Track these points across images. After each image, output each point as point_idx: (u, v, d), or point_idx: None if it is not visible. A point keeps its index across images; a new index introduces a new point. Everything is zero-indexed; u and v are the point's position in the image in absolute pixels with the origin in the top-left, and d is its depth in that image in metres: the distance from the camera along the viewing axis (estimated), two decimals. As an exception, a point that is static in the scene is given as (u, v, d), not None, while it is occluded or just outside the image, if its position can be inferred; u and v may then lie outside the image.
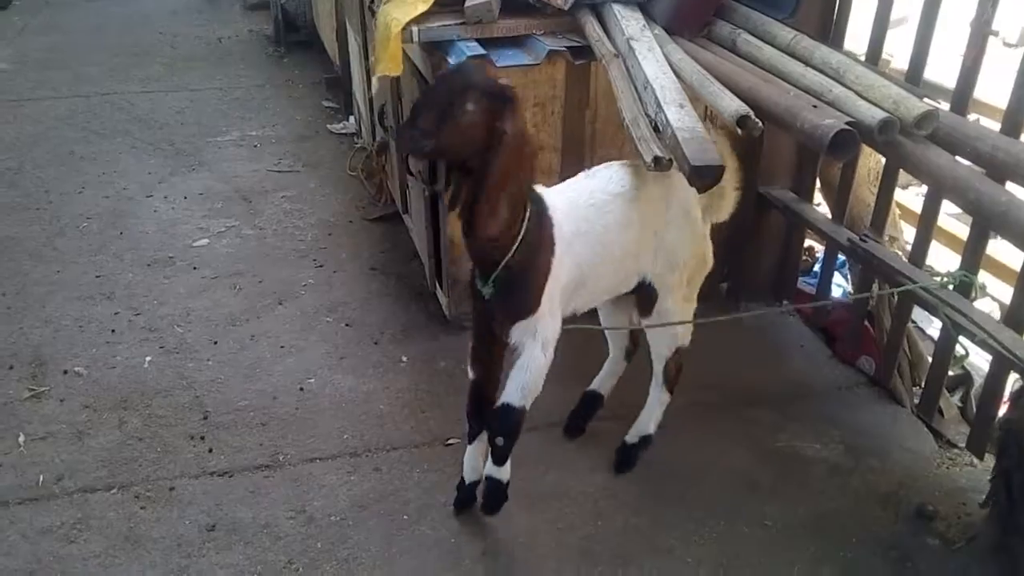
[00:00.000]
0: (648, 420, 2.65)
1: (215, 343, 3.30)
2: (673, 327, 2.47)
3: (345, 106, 5.51)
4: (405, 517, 2.52)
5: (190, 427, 2.87)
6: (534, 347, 2.15)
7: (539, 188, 2.16)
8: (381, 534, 2.46)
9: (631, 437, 2.68)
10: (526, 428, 2.28)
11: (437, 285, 3.45)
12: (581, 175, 2.36)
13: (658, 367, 2.59)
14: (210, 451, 2.76)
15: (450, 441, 2.78)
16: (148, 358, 3.22)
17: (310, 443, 2.80)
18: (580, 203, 2.22)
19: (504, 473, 2.34)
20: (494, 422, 2.26)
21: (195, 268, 3.82)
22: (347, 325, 3.41)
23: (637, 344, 2.70)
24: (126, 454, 2.75)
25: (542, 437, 2.75)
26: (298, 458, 2.73)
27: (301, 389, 3.05)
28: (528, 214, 2.05)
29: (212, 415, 2.92)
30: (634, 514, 2.52)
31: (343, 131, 5.34)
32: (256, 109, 5.75)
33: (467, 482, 2.48)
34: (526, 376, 2.16)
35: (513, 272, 2.07)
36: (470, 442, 2.44)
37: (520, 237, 2.03)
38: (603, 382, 2.77)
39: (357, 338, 3.34)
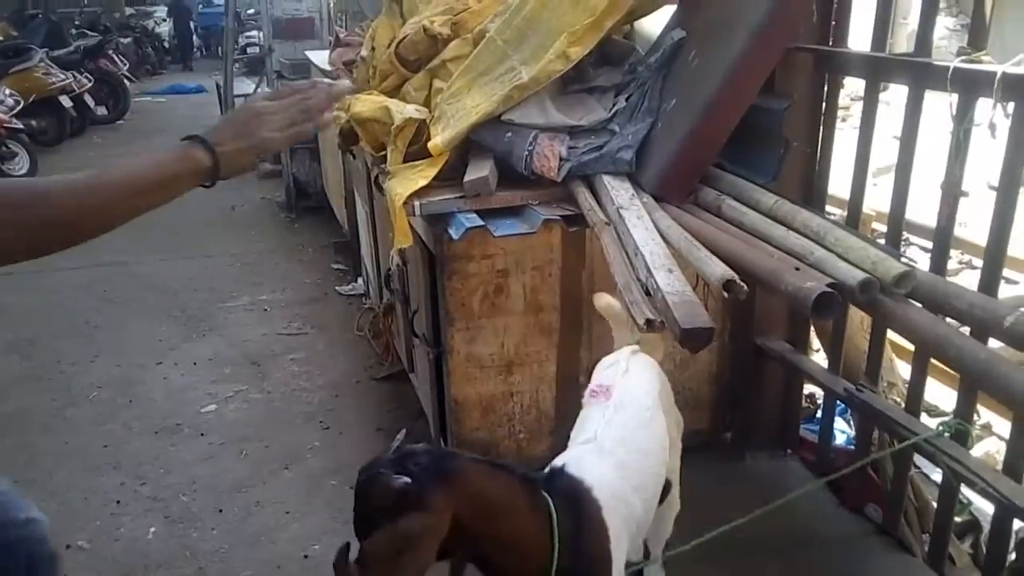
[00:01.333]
0: None
1: (220, 511, 3.30)
2: (676, 499, 2.41)
3: (354, 268, 5.69)
4: None
5: (194, 602, 2.84)
6: None
7: (571, 468, 1.92)
8: None
9: None
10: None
11: (442, 442, 3.48)
12: (603, 405, 2.14)
13: (658, 551, 2.42)
14: (211, 627, 2.73)
15: (457, 608, 2.75)
16: (152, 529, 3.22)
17: (315, 616, 2.77)
18: (620, 460, 1.98)
19: None
20: None
21: (202, 434, 3.86)
22: (352, 488, 3.40)
23: None
24: (128, 634, 2.72)
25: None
26: (303, 634, 2.70)
27: (305, 556, 3.03)
28: (556, 518, 1.73)
29: (216, 588, 2.90)
30: None
31: (352, 292, 5.49)
32: (267, 274, 5.93)
33: None
34: None
35: None
36: None
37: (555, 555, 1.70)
38: None
39: (363, 502, 3.33)
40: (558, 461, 1.97)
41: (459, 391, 3.22)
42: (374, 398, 4.13)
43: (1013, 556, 2.47)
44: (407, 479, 1.55)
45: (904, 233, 2.99)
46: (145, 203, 1.40)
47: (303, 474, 3.53)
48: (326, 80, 1.80)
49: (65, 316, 5.24)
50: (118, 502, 3.39)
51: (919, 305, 2.10)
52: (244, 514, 3.29)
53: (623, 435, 2.06)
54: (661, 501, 2.28)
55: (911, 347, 2.89)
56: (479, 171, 2.88)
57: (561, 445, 3.35)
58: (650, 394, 2.20)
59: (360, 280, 5.48)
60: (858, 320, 3.28)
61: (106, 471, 3.60)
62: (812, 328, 3.43)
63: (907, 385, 2.88)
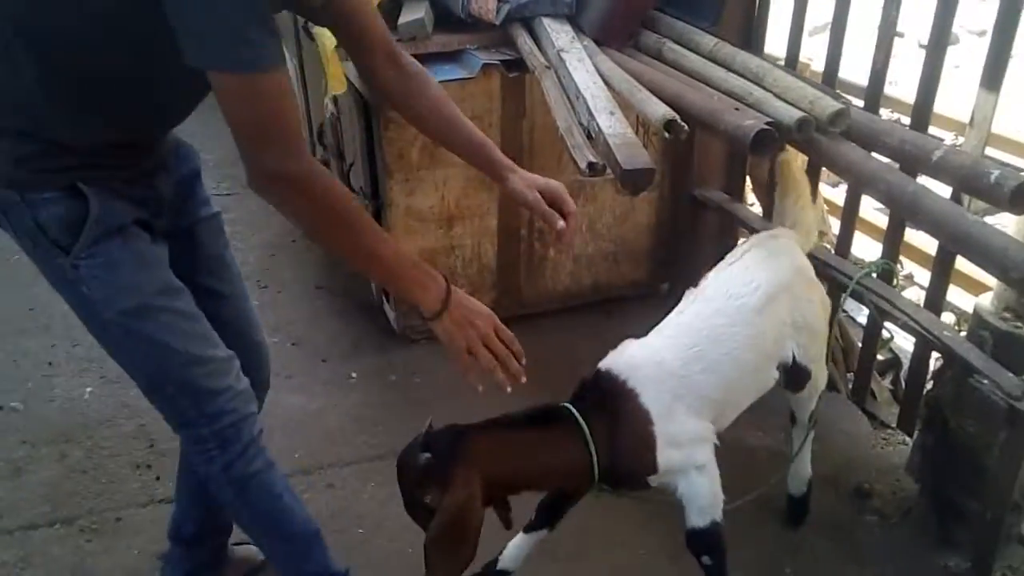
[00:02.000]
0: (806, 464, 2.48)
1: (159, 370, 3.27)
2: (818, 380, 2.29)
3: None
4: (360, 531, 2.53)
5: (135, 456, 2.84)
6: (686, 477, 1.95)
7: (615, 364, 1.95)
8: (336, 550, 2.44)
9: (797, 489, 2.52)
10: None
11: (384, 299, 3.48)
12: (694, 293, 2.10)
13: (804, 416, 2.39)
14: (157, 479, 2.74)
15: (403, 453, 2.81)
16: (88, 389, 3.18)
17: (261, 463, 2.79)
18: (682, 343, 1.97)
19: None
20: (690, 546, 2.04)
21: (135, 296, 3.77)
22: (293, 344, 3.41)
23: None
24: (68, 487, 2.71)
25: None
26: (250, 479, 2.73)
27: (253, 414, 3.04)
28: (589, 434, 1.84)
29: (158, 443, 2.88)
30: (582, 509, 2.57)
31: (281, 152, 5.32)
32: (191, 133, 5.67)
33: (498, 568, 2.25)
34: (697, 501, 1.97)
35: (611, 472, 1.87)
36: (525, 531, 2.21)
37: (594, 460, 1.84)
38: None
39: (304, 357, 3.34)
40: (603, 362, 1.97)
41: (400, 241, 3.20)
42: (312, 257, 4.07)
43: (930, 386, 2.61)
44: (428, 455, 1.73)
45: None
46: (371, 275, 1.82)
47: (242, 332, 3.51)
48: None
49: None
50: (50, 363, 3.32)
51: (853, 144, 2.14)
52: (183, 372, 3.26)
53: (690, 321, 2.01)
54: (797, 389, 2.27)
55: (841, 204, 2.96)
56: (414, 13, 2.78)
57: (504, 297, 3.41)
58: (752, 282, 2.02)
59: (290, 139, 5.32)
60: (791, 171, 3.32)
61: (35, 333, 3.51)
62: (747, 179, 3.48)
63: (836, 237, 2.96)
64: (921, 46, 2.48)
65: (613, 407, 1.87)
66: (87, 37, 1.48)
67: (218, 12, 1.33)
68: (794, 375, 2.19)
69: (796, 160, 2.40)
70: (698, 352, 1.94)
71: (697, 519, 1.99)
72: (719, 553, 2.04)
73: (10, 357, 3.36)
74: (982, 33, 7.13)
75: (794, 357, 2.13)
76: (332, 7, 1.71)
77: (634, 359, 1.94)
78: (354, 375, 3.22)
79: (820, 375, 2.29)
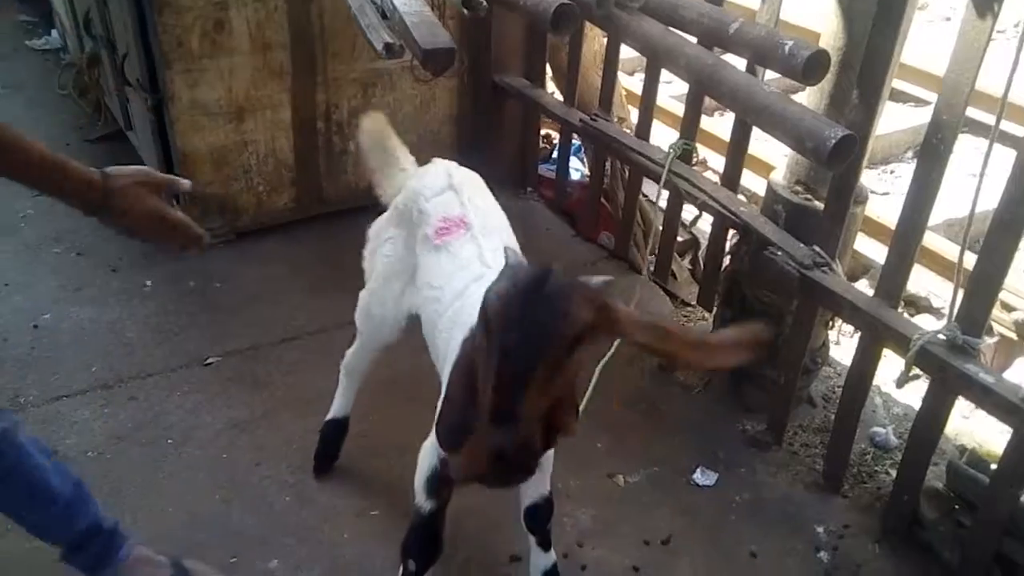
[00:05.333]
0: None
1: (-75, 288, 2.95)
2: None
3: (45, 20, 4.96)
4: (169, 441, 2.42)
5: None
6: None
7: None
8: (145, 462, 2.35)
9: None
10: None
11: (175, 202, 3.24)
12: None
13: None
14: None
15: (208, 361, 2.69)
16: None
17: (54, 381, 2.59)
18: None
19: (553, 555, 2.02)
20: (546, 517, 1.93)
21: None
22: (79, 254, 3.15)
23: None
24: None
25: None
26: (43, 398, 2.53)
27: (35, 327, 2.80)
28: None
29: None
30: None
31: (46, 47, 4.82)
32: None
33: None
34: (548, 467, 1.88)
35: None
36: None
37: None
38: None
39: (93, 267, 3.09)
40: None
41: (186, 143, 2.98)
42: (88, 161, 3.62)
43: (727, 262, 2.74)
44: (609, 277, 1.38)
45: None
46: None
47: (19, 244, 3.20)
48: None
49: None
50: None
51: (653, 20, 2.15)
52: (-46, 292, 2.95)
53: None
54: None
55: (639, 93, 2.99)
56: None
57: (304, 195, 3.27)
58: (500, 210, 1.96)
59: (54, 32, 4.81)
60: (591, 56, 3.35)
61: None
62: (547, 66, 3.47)
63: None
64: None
65: None
66: None
67: None
68: None
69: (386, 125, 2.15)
70: None
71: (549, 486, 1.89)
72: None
73: None
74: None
75: None
76: None
77: None
78: (148, 283, 3.02)
79: None
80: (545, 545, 1.98)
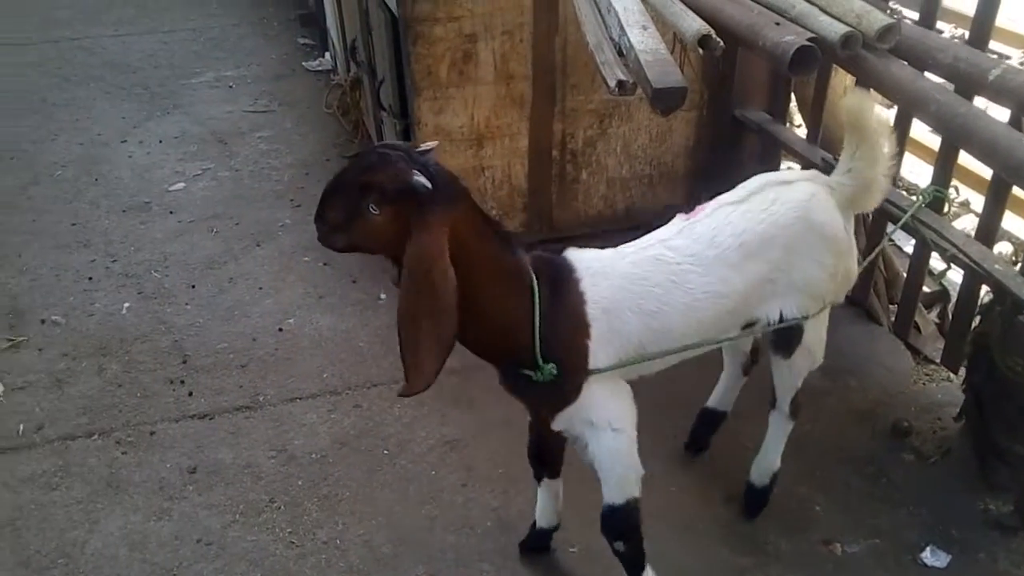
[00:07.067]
0: (776, 456, 2.27)
1: (193, 287, 3.30)
2: (812, 352, 2.09)
3: (321, 42, 5.42)
4: (385, 452, 2.54)
5: (170, 371, 2.88)
6: (598, 435, 1.80)
7: (571, 253, 1.80)
8: (362, 470, 2.49)
9: (759, 479, 2.31)
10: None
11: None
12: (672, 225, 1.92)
13: (786, 398, 2.19)
14: (190, 394, 2.78)
15: (429, 376, 2.80)
16: (126, 304, 3.22)
17: (290, 383, 2.81)
18: (638, 270, 1.81)
19: None
20: (604, 528, 1.91)
21: (171, 212, 3.80)
22: (325, 264, 3.40)
23: (757, 357, 2.37)
24: (106, 400, 2.77)
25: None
26: (278, 398, 2.75)
27: (280, 330, 3.05)
28: (538, 293, 1.69)
29: (191, 359, 2.93)
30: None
31: (319, 68, 5.26)
32: (230, 49, 5.66)
33: (537, 527, 2.21)
34: (609, 471, 1.84)
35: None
36: (537, 481, 2.15)
37: (537, 322, 1.69)
38: (722, 398, 2.45)
39: (336, 277, 3.33)
40: (570, 252, 1.81)
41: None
42: None
43: (978, 321, 2.49)
44: (428, 183, 1.51)
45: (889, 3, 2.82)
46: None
47: (275, 251, 3.51)
48: None
49: (20, 94, 5.01)
50: (90, 279, 3.37)
51: (903, 62, 1.99)
52: (217, 290, 3.28)
53: (659, 254, 1.82)
54: (786, 353, 2.05)
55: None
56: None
57: (535, 220, 3.33)
58: (740, 236, 1.82)
59: (327, 55, 5.24)
60: (840, 90, 3.16)
61: (76, 249, 3.56)
62: (792, 96, 3.31)
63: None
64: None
65: (560, 298, 1.73)
66: None
67: None
68: (782, 336, 1.99)
69: (871, 105, 1.88)
70: (651, 295, 1.78)
71: (614, 494, 1.85)
72: (633, 540, 1.91)
73: (52, 272, 3.41)
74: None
75: (781, 315, 1.92)
76: None
77: (596, 271, 1.78)
78: (383, 297, 3.20)
79: (815, 346, 2.07)
80: (624, 565, 1.95)
